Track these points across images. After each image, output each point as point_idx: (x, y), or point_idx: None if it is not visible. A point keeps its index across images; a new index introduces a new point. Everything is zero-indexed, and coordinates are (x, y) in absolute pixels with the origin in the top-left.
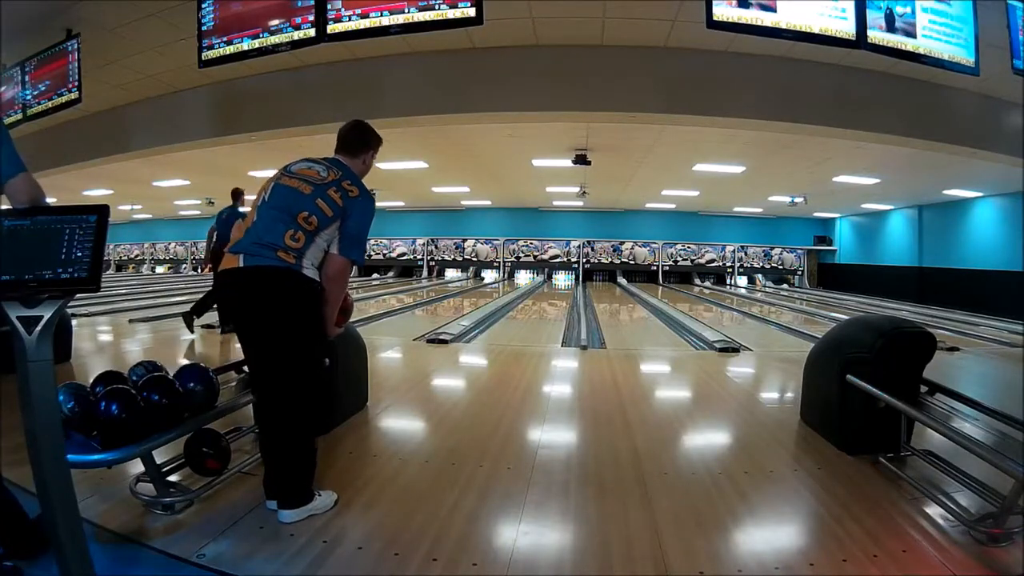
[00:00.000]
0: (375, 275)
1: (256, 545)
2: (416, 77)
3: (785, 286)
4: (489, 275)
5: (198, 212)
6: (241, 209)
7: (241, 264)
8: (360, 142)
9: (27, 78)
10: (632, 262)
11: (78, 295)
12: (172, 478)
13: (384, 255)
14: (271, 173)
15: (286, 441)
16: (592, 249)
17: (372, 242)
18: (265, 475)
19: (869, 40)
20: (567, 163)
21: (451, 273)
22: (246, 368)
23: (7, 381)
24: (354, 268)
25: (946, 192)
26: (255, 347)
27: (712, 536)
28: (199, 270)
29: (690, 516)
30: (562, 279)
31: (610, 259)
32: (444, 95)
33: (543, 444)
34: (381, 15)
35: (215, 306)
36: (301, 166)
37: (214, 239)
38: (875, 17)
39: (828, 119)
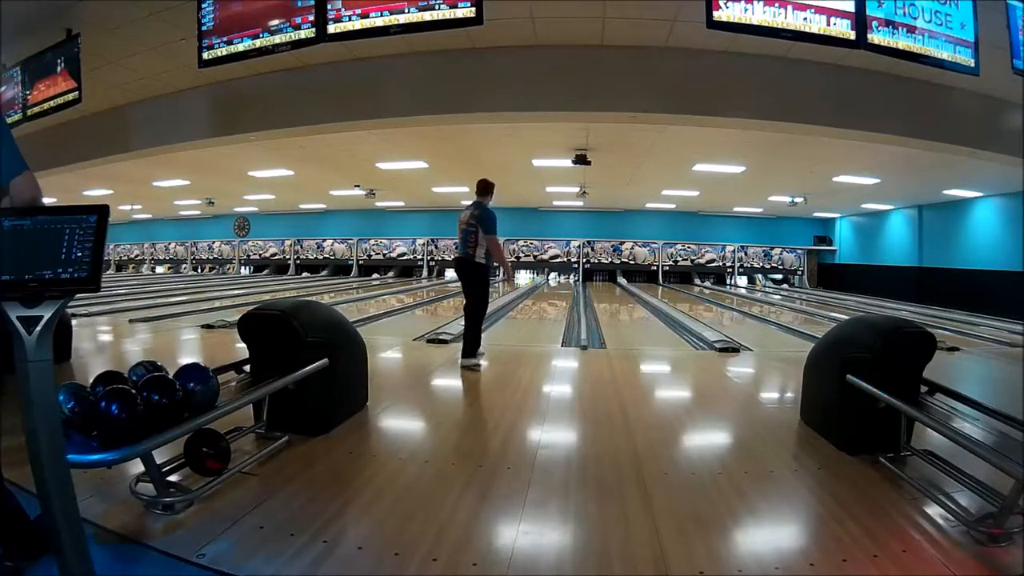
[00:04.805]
0: (375, 275)
1: (256, 545)
2: (416, 77)
3: (785, 286)
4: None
5: (198, 212)
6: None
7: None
8: None
9: (27, 78)
10: (632, 262)
11: (78, 295)
12: (172, 478)
13: (384, 255)
14: (271, 173)
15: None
16: (592, 249)
17: (372, 242)
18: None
19: (869, 40)
20: (567, 163)
21: (451, 273)
22: (247, 368)
23: (7, 381)
24: (353, 268)
25: (946, 192)
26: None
27: (712, 536)
28: None
29: (690, 516)
30: (562, 279)
31: (610, 259)
32: (444, 95)
33: (543, 444)
34: (381, 15)
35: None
36: None
37: None
38: (875, 17)
39: (828, 119)
